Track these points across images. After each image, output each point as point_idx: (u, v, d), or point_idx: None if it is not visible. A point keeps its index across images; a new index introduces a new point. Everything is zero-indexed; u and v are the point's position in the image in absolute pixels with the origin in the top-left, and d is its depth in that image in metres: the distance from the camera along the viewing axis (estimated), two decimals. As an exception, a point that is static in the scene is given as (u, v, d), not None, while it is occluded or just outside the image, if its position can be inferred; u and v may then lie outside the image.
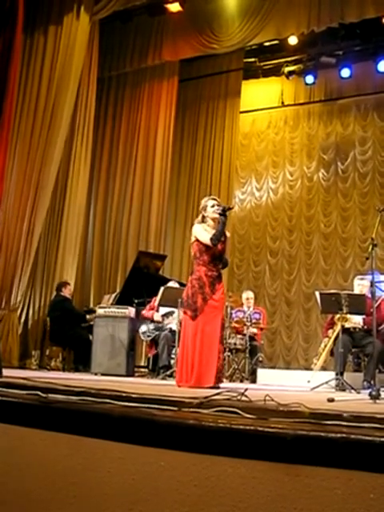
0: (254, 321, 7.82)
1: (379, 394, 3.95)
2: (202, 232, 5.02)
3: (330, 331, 6.40)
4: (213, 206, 5.06)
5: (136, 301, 8.00)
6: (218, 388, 4.50)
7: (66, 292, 8.25)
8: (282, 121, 11.58)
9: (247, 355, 7.68)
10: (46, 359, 8.41)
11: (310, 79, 10.69)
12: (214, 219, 5.05)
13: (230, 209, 5.28)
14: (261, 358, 8.00)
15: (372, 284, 4.93)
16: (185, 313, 5.04)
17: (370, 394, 4.00)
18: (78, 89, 8.77)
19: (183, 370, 4.88)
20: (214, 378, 4.75)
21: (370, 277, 5.57)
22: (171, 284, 7.51)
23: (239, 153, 11.49)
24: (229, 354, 7.66)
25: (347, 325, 6.16)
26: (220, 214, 4.98)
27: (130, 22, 10.10)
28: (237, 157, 11.25)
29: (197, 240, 5.04)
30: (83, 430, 2.02)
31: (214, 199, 5.16)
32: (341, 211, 10.82)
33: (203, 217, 5.11)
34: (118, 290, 9.04)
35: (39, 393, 2.31)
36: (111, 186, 10.66)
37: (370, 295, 5.80)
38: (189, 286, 5.07)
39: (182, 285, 7.42)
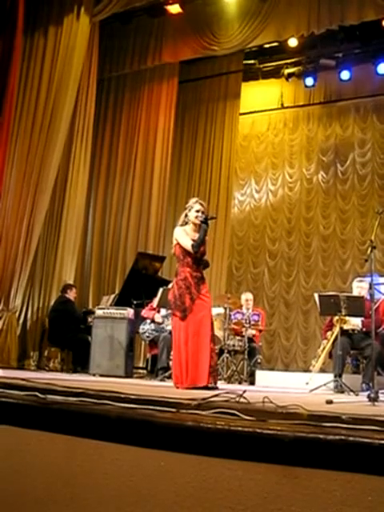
0: (252, 322, 7.81)
1: (378, 396, 3.95)
2: (184, 237, 5.07)
3: (329, 333, 6.39)
4: (198, 211, 5.09)
5: (135, 302, 8.00)
6: (215, 388, 4.50)
7: (71, 294, 8.25)
8: (282, 123, 11.59)
9: (246, 357, 7.67)
10: (45, 360, 8.40)
11: (309, 81, 10.70)
12: (195, 224, 5.09)
13: (212, 218, 5.33)
14: (259, 360, 7.98)
15: (371, 286, 4.93)
16: (174, 315, 5.05)
17: (368, 396, 4.00)
18: (78, 90, 8.76)
19: (178, 372, 4.88)
20: (209, 377, 4.74)
21: (368, 279, 5.57)
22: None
23: (238, 154, 11.50)
24: (227, 355, 7.65)
25: (346, 327, 6.15)
26: (202, 222, 5.03)
27: (130, 23, 10.11)
28: (236, 158, 11.26)
29: (178, 243, 5.08)
30: (81, 431, 2.02)
31: (201, 205, 5.19)
32: (340, 213, 10.82)
33: (186, 216, 5.15)
34: (116, 291, 9.04)
35: (38, 394, 2.31)
36: (110, 187, 10.65)
37: (368, 297, 5.80)
38: (175, 287, 5.08)
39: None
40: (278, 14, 8.73)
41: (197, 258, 5.06)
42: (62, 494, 1.96)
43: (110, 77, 10.72)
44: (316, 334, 10.28)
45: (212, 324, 5.10)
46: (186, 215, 5.16)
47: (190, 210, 5.14)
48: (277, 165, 11.54)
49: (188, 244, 5.00)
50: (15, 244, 8.05)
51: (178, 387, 4.79)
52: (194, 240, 5.01)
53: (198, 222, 5.06)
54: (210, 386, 4.68)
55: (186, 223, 5.15)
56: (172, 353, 6.64)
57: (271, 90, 11.56)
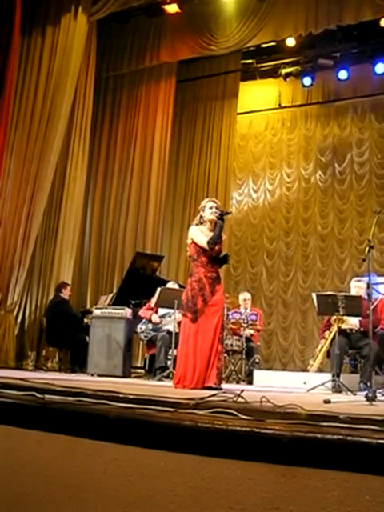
0: (250, 322, 7.82)
1: (375, 396, 3.96)
2: (199, 234, 5.03)
3: (327, 333, 6.40)
4: (211, 208, 5.07)
5: (132, 302, 7.99)
6: (219, 389, 4.50)
7: (66, 293, 8.23)
8: (280, 122, 11.59)
9: (244, 356, 7.68)
10: (43, 360, 8.40)
11: (307, 81, 10.71)
12: (210, 221, 5.06)
13: (227, 213, 5.28)
14: (257, 360, 7.99)
15: (368, 286, 4.94)
16: (185, 315, 5.02)
17: (366, 396, 4.01)
18: (76, 90, 8.76)
19: (182, 372, 4.86)
20: (215, 379, 4.75)
21: (366, 278, 5.57)
22: (171, 285, 7.49)
23: (236, 154, 11.50)
24: (225, 355, 7.65)
25: (344, 326, 6.16)
26: (218, 218, 4.99)
27: (128, 22, 10.11)
28: (234, 158, 11.27)
29: (193, 242, 5.05)
30: (80, 431, 2.01)
31: (214, 202, 5.17)
32: (338, 213, 10.83)
33: (201, 217, 5.12)
34: (114, 291, 9.03)
35: (36, 394, 2.31)
36: (108, 186, 10.65)
37: (366, 297, 5.81)
38: (188, 288, 5.05)
39: (182, 286, 7.41)
40: (275, 13, 8.73)
41: (212, 256, 5.02)
42: (60, 493, 1.96)
43: (108, 76, 10.71)
44: (314, 334, 10.28)
45: (223, 326, 5.09)
46: (201, 216, 5.12)
47: (203, 210, 5.11)
48: (274, 164, 11.54)
49: (203, 241, 4.96)
50: (13, 243, 8.05)
51: (176, 387, 4.78)
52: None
53: (213, 217, 5.00)
54: (214, 386, 4.68)
55: (202, 223, 5.12)
56: (171, 352, 6.69)
57: (269, 89, 11.57)
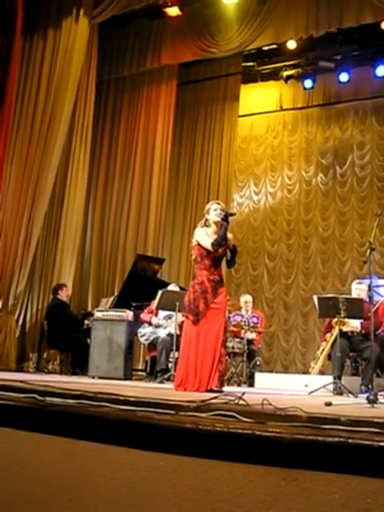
0: (251, 325, 7.82)
1: (377, 398, 3.95)
2: (204, 236, 5.03)
3: (328, 335, 6.39)
4: (215, 210, 5.07)
5: (134, 304, 7.99)
6: (220, 391, 4.49)
7: (63, 294, 8.20)
8: (281, 125, 11.60)
9: (245, 359, 7.67)
10: (44, 362, 8.39)
11: (308, 83, 10.72)
12: (215, 223, 5.06)
13: (231, 214, 5.26)
14: (258, 362, 7.99)
15: (370, 288, 4.93)
16: (187, 317, 5.02)
17: (367, 398, 4.00)
18: (77, 93, 8.76)
19: (184, 374, 4.85)
20: (216, 380, 4.75)
21: (367, 281, 5.58)
22: (171, 287, 7.48)
23: (237, 157, 11.51)
24: (226, 357, 7.65)
25: (345, 329, 6.15)
26: (222, 219, 4.99)
27: (129, 25, 10.12)
28: (235, 161, 11.28)
29: (198, 244, 5.05)
30: (80, 434, 2.01)
31: (219, 204, 5.17)
32: (339, 215, 10.83)
33: (206, 220, 5.13)
34: (115, 294, 9.03)
35: (36, 396, 2.31)
36: (110, 189, 10.66)
37: (367, 299, 5.81)
38: (191, 290, 5.05)
39: (182, 288, 7.40)
40: (276, 16, 8.74)
41: (216, 258, 5.02)
42: (60, 495, 1.96)
43: (109, 79, 10.73)
44: (315, 336, 10.27)
45: (225, 329, 5.09)
46: (206, 219, 5.13)
47: (208, 213, 5.11)
48: (276, 167, 11.54)
49: (207, 242, 4.96)
50: (14, 246, 8.05)
51: (177, 389, 4.77)
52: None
53: (218, 218, 4.99)
54: (215, 388, 4.67)
55: (207, 226, 5.11)
56: (172, 354, 6.69)
57: (270, 92, 11.58)
